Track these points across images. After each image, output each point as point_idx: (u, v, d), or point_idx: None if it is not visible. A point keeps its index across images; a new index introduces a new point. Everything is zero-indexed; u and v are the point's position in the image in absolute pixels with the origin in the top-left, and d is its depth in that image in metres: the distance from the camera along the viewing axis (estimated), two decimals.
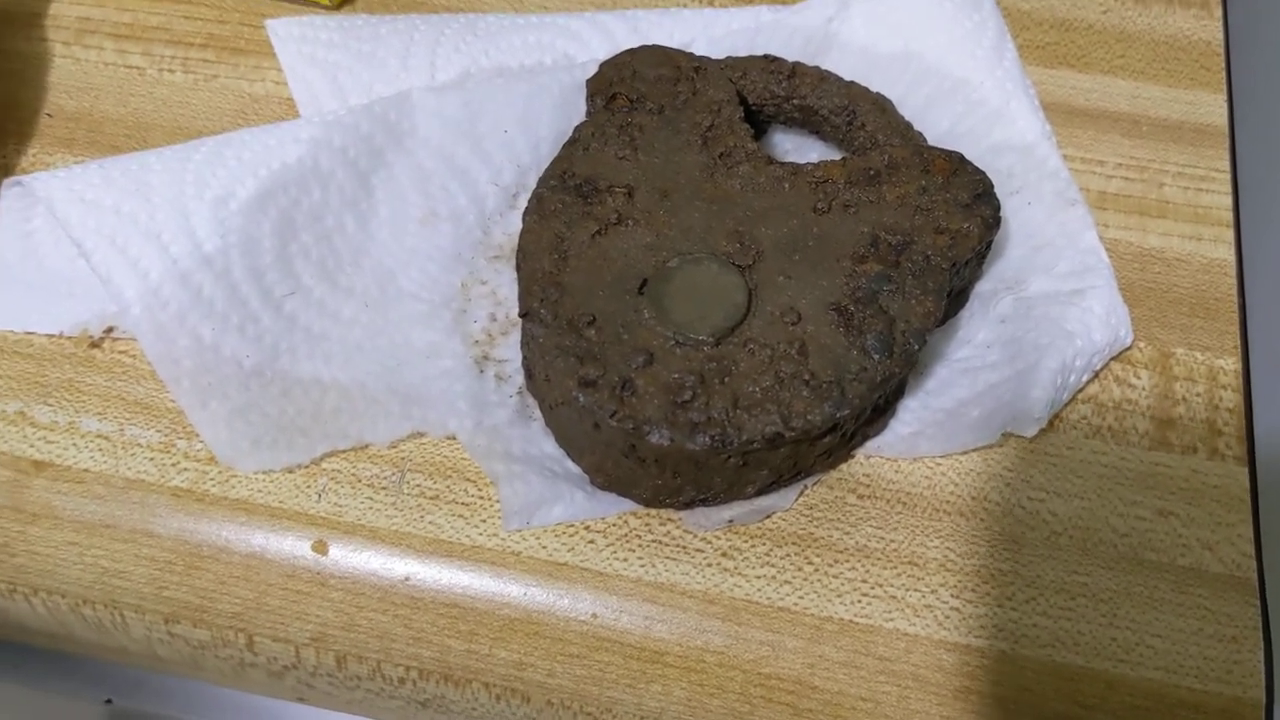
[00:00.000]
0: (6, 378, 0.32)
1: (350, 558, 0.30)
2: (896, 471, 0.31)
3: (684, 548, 0.30)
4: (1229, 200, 0.36)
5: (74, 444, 0.31)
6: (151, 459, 0.31)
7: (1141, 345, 0.33)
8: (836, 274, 0.30)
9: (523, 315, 0.29)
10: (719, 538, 0.30)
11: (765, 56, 0.35)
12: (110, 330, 0.32)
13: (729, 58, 0.35)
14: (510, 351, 0.32)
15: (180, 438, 0.31)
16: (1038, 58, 0.39)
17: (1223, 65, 0.39)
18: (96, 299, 0.32)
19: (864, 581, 0.29)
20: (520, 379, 0.32)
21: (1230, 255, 0.35)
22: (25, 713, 0.37)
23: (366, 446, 0.31)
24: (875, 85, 0.36)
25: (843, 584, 0.29)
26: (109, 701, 0.37)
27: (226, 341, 0.30)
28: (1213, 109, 0.38)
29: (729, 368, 0.28)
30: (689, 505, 0.30)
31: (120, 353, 0.32)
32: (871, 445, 0.31)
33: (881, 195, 0.31)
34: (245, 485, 0.30)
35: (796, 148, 0.36)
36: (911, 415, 0.32)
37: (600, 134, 0.32)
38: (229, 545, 0.30)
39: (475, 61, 0.37)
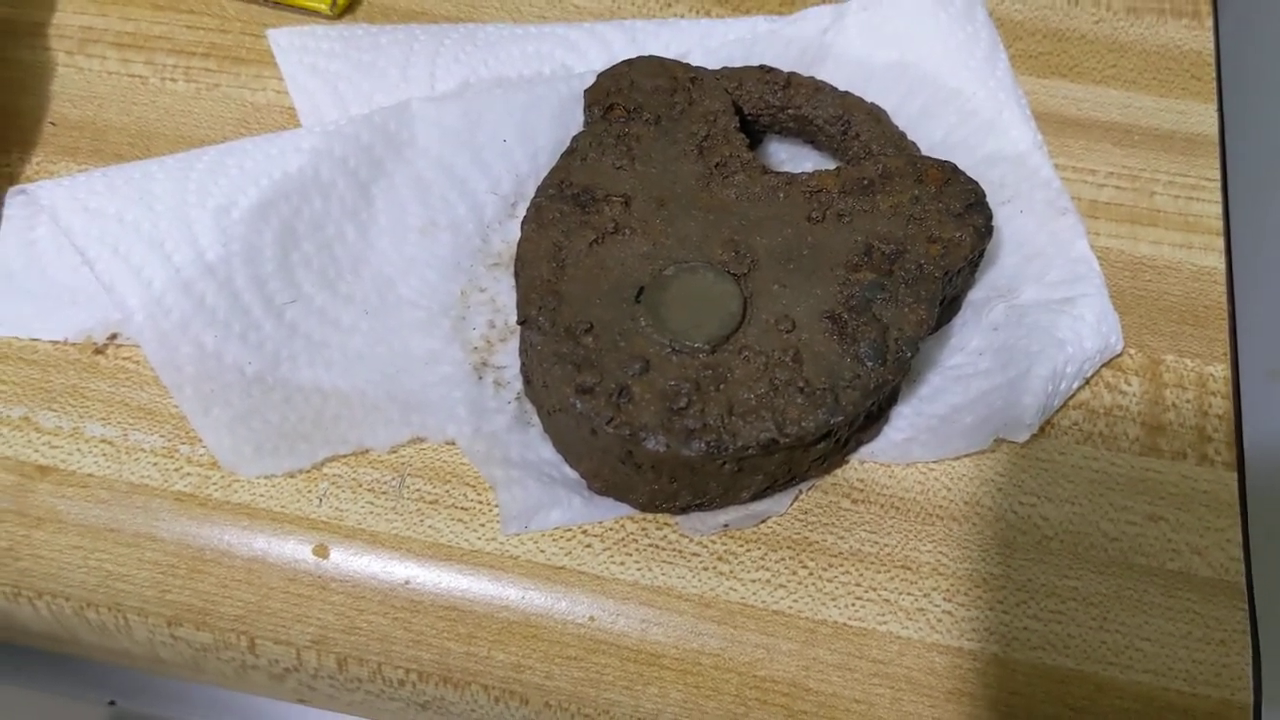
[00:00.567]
0: (11, 384, 0.32)
1: (351, 561, 0.30)
2: (890, 477, 0.31)
3: (680, 552, 0.30)
4: (1219, 209, 0.37)
5: (78, 449, 0.31)
6: (155, 464, 0.31)
7: (1132, 352, 0.34)
8: (830, 282, 0.30)
9: (521, 323, 0.30)
10: (715, 542, 0.30)
11: (761, 67, 0.35)
12: (114, 337, 0.33)
13: (725, 68, 0.35)
14: (509, 358, 0.33)
15: (183, 443, 0.31)
16: (1030, 67, 0.40)
17: (1214, 75, 0.40)
18: (100, 306, 0.33)
19: (858, 585, 0.30)
20: (519, 385, 0.32)
21: (1220, 263, 0.35)
22: (29, 715, 0.38)
23: (367, 452, 0.31)
24: (870, 95, 0.37)
25: (837, 588, 0.30)
26: (112, 703, 0.37)
27: (229, 349, 0.31)
28: (1204, 118, 0.39)
29: (724, 375, 0.29)
30: (685, 510, 0.30)
31: (124, 359, 0.33)
32: (865, 451, 0.32)
33: (875, 204, 0.32)
34: (247, 490, 0.31)
35: (791, 157, 0.37)
36: (905, 421, 0.32)
37: (598, 144, 0.33)
38: (231, 549, 0.30)
39: (474, 72, 0.37)
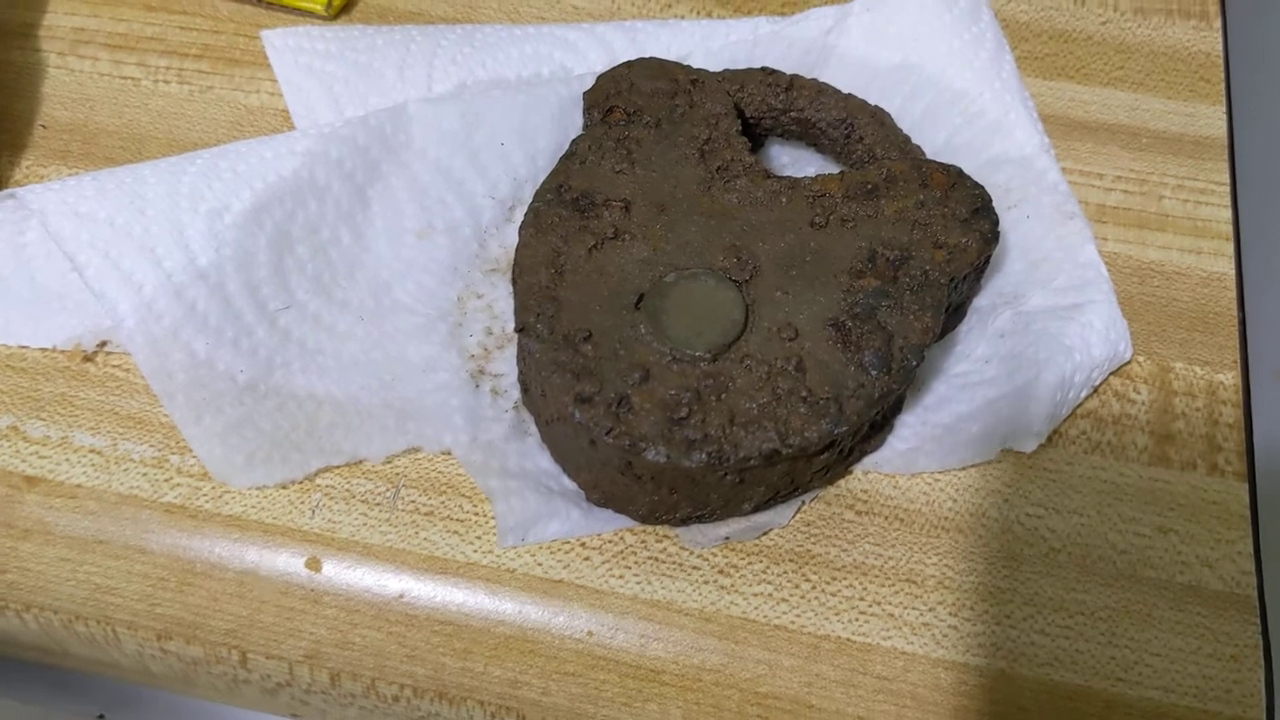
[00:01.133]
0: None
1: (344, 574, 0.29)
2: (894, 487, 0.31)
3: (680, 565, 0.30)
4: (1228, 213, 0.36)
5: (66, 459, 0.30)
6: (144, 474, 0.30)
7: (1141, 360, 0.33)
8: (834, 289, 0.30)
9: (519, 330, 0.29)
10: (715, 555, 0.30)
11: (763, 69, 0.35)
12: (104, 344, 0.32)
13: (726, 70, 0.35)
14: (506, 365, 0.32)
15: (174, 453, 0.31)
16: (1036, 69, 0.39)
17: (1222, 77, 0.39)
18: (90, 313, 0.32)
19: (861, 599, 0.29)
20: (516, 393, 0.32)
21: (1230, 269, 0.35)
22: None
23: (361, 462, 0.31)
24: (873, 97, 0.36)
25: (840, 602, 0.29)
26: (101, 717, 0.37)
27: (221, 356, 0.30)
28: (1212, 121, 0.38)
29: (726, 384, 0.28)
30: (685, 522, 0.30)
31: (114, 367, 0.32)
32: (869, 461, 0.31)
33: (879, 209, 0.31)
34: (239, 501, 0.30)
35: (794, 160, 0.36)
36: (910, 431, 0.31)
37: (597, 147, 0.32)
38: (222, 562, 0.29)
39: (472, 73, 0.37)
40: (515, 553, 0.30)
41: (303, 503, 0.30)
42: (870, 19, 0.37)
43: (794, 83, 0.34)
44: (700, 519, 0.30)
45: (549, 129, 0.35)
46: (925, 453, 0.31)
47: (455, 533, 0.30)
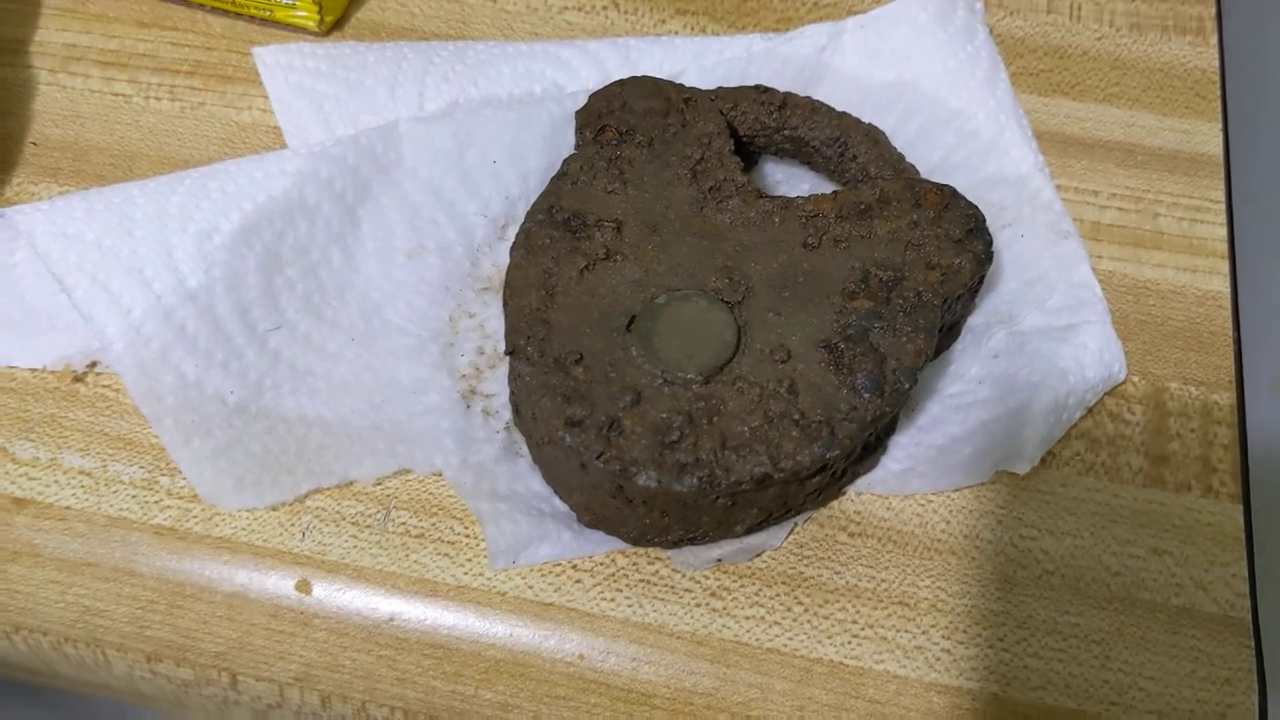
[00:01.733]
0: None
1: (334, 597, 0.29)
2: (888, 509, 0.31)
3: (672, 587, 0.29)
4: (1224, 231, 0.36)
5: (56, 481, 0.30)
6: (134, 496, 0.30)
7: (1135, 380, 0.33)
8: (827, 311, 0.30)
9: (509, 353, 0.29)
10: (707, 577, 0.30)
11: (756, 87, 0.34)
12: (94, 364, 0.32)
13: (720, 88, 0.34)
14: (498, 386, 0.32)
15: (163, 475, 0.30)
16: (1031, 85, 0.39)
17: (1218, 94, 0.39)
18: (80, 333, 0.32)
19: (854, 622, 0.29)
20: (508, 414, 0.31)
21: (1225, 288, 0.35)
22: None
23: (351, 484, 0.30)
24: (867, 115, 0.36)
25: (832, 625, 0.29)
26: None
27: (210, 378, 0.30)
28: (1208, 138, 0.38)
29: (717, 407, 0.28)
30: (677, 544, 0.30)
31: (104, 387, 0.32)
32: (863, 482, 0.31)
33: (873, 230, 0.31)
34: (229, 523, 0.30)
35: (788, 179, 0.36)
36: (903, 452, 0.31)
37: (589, 167, 0.32)
38: (212, 584, 0.29)
39: (464, 91, 0.36)
40: (506, 575, 0.29)
41: (293, 525, 0.30)
42: (865, 36, 0.37)
43: (788, 101, 0.34)
44: (692, 541, 0.30)
45: (541, 147, 0.35)
46: (919, 474, 0.31)
47: (446, 555, 0.30)
